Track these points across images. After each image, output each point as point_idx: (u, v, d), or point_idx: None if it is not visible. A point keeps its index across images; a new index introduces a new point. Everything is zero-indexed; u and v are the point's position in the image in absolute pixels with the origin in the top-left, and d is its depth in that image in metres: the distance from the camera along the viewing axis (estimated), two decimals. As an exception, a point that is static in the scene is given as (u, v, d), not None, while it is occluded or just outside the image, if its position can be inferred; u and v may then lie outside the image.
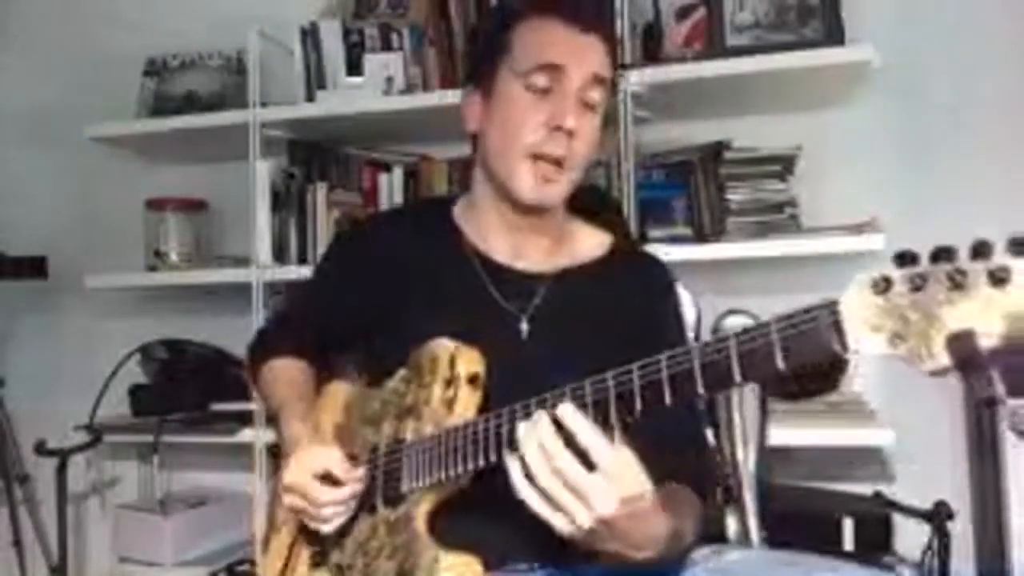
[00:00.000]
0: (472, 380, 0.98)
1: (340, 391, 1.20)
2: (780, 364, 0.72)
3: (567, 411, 0.81)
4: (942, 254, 0.66)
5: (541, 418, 0.82)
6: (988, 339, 0.63)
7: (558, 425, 0.81)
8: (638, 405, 0.81)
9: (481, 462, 0.91)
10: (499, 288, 1.13)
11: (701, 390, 0.77)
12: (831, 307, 0.70)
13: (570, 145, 1.07)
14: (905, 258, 0.67)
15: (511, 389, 0.96)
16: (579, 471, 0.79)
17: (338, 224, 2.15)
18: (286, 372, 1.23)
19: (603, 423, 0.82)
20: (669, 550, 0.89)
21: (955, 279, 0.64)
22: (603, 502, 0.79)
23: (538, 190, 1.09)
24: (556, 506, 0.81)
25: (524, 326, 1.11)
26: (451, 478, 0.94)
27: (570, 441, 0.81)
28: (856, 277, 0.69)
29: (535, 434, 0.82)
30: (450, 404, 0.98)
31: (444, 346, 1.01)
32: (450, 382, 0.99)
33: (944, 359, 0.64)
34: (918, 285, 0.66)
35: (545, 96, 1.07)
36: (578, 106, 1.07)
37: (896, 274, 0.67)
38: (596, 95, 1.09)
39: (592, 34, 1.09)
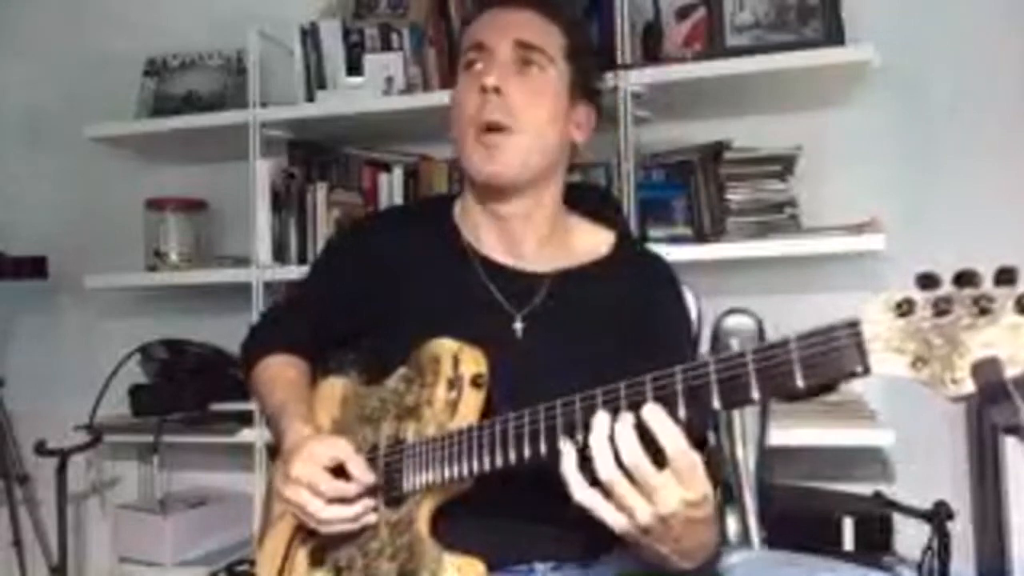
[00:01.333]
0: (475, 381, 0.98)
1: (337, 387, 1.19)
2: (800, 383, 0.71)
3: (654, 411, 0.78)
4: (965, 278, 0.65)
5: (622, 415, 0.80)
6: (1014, 367, 0.62)
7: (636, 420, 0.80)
8: None
9: (487, 465, 0.91)
10: (498, 287, 1.13)
11: (717, 405, 0.76)
12: (853, 327, 0.68)
13: (506, 106, 1.07)
14: (927, 280, 0.66)
15: (504, 388, 0.98)
16: (650, 470, 0.78)
17: (338, 224, 2.16)
18: (282, 371, 1.21)
19: None
20: (708, 559, 0.89)
21: (981, 305, 0.63)
22: (666, 500, 0.78)
23: (486, 163, 1.08)
24: (617, 502, 0.80)
25: (519, 324, 1.11)
26: (455, 479, 0.94)
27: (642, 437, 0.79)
28: (878, 297, 0.68)
29: (608, 428, 0.80)
30: (453, 406, 0.98)
31: (447, 346, 1.01)
32: (453, 383, 0.98)
33: (968, 386, 0.64)
34: (943, 309, 0.65)
35: (476, 70, 1.10)
36: (508, 69, 1.08)
37: (919, 296, 0.66)
38: (533, 57, 1.09)
39: (526, 10, 1.12)
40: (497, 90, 1.06)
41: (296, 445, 1.03)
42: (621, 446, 0.78)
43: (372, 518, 1.00)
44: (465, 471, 0.93)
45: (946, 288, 0.65)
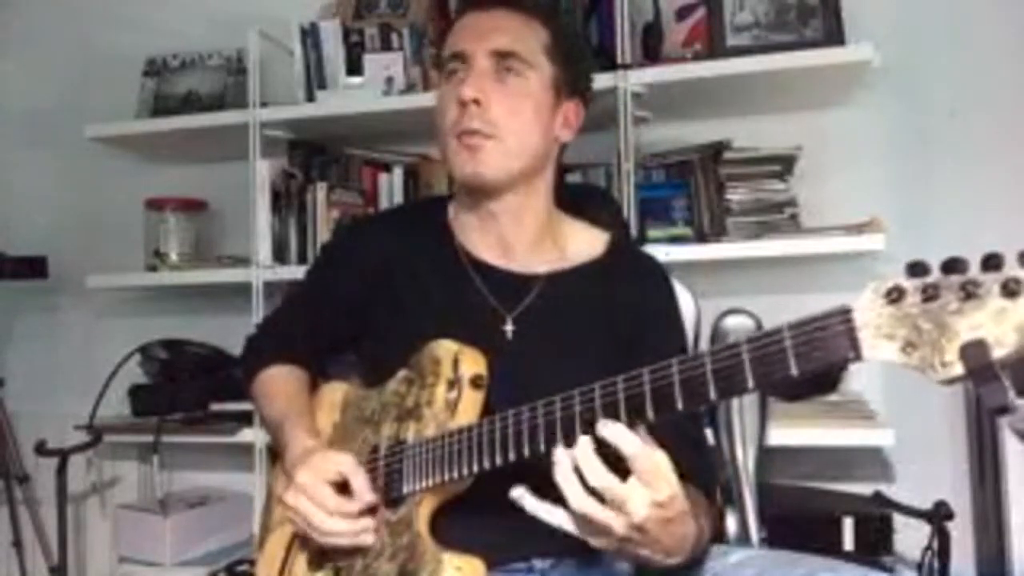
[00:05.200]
0: (475, 381, 0.98)
1: (338, 391, 1.20)
2: (793, 371, 0.72)
3: (607, 426, 0.80)
4: (953, 265, 0.66)
5: (580, 443, 0.81)
6: (1000, 349, 0.63)
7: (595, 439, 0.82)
8: (649, 410, 0.80)
9: (487, 464, 0.91)
10: (490, 289, 1.13)
11: (713, 396, 0.77)
12: (845, 314, 0.70)
13: (482, 115, 1.07)
14: (917, 268, 0.68)
15: (495, 389, 0.98)
16: (615, 484, 0.79)
17: (335, 227, 2.15)
18: (283, 382, 1.21)
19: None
20: (694, 552, 0.89)
21: (967, 290, 0.65)
22: (637, 508, 0.79)
23: (468, 163, 1.09)
24: (593, 525, 0.81)
25: (509, 326, 1.11)
26: (454, 480, 0.94)
27: (602, 450, 0.81)
28: (869, 285, 0.70)
29: (571, 460, 0.82)
30: (453, 406, 0.98)
31: (447, 347, 1.01)
32: (453, 383, 0.99)
33: (957, 369, 0.65)
34: (931, 295, 0.66)
35: (456, 79, 1.11)
36: (486, 77, 1.08)
37: (908, 284, 0.68)
38: (511, 64, 1.09)
39: (499, 10, 1.12)
40: (476, 102, 1.07)
41: (302, 455, 1.04)
42: (586, 473, 0.80)
43: (370, 538, 1.00)
44: (464, 471, 0.93)
45: (935, 275, 0.67)
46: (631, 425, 0.81)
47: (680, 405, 0.79)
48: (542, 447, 0.86)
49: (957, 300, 0.65)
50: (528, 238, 1.15)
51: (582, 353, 1.07)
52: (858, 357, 0.69)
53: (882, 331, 0.68)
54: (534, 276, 1.13)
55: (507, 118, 1.08)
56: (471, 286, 1.13)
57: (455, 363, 0.99)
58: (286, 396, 1.18)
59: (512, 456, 0.89)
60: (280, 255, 2.20)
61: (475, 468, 0.92)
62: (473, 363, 0.99)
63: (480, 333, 1.04)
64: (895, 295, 0.68)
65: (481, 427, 0.93)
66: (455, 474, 0.94)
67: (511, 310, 1.11)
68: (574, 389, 0.86)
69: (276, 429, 1.15)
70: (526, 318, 1.11)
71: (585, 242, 1.18)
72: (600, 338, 1.09)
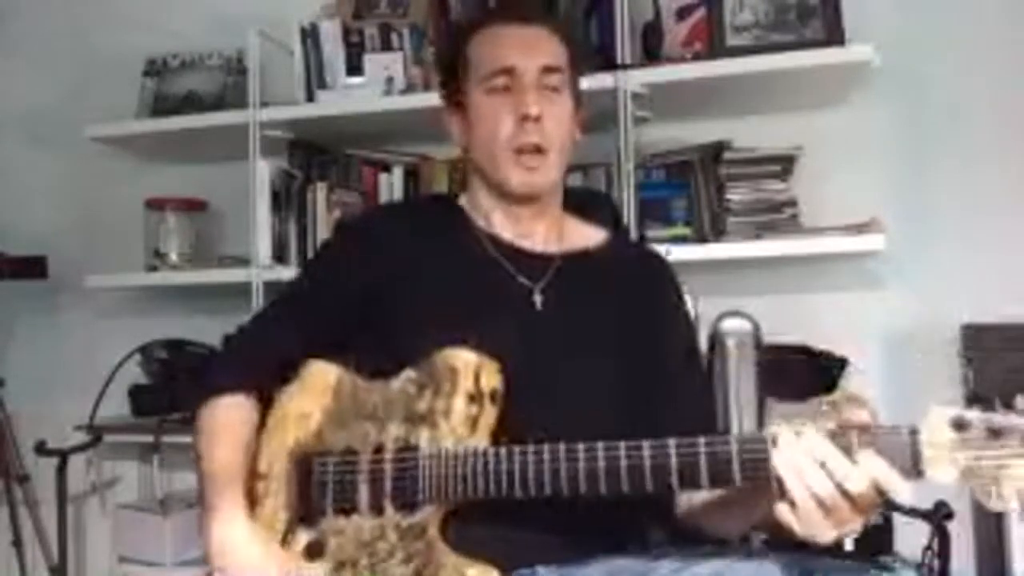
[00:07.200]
0: (494, 396, 1.00)
1: (330, 372, 1.12)
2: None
3: (872, 460, 0.84)
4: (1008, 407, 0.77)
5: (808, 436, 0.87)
6: None
7: None
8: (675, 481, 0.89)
9: (505, 491, 0.95)
10: (513, 265, 1.17)
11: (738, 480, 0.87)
12: (913, 434, 0.80)
13: (541, 130, 1.13)
14: (979, 402, 0.80)
15: (525, 361, 1.02)
16: (843, 504, 0.83)
17: (339, 222, 2.15)
18: (230, 429, 1.12)
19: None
20: None
21: None
22: (852, 525, 0.85)
23: (526, 180, 1.15)
24: (806, 520, 0.85)
25: (538, 297, 1.15)
26: (477, 497, 0.96)
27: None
28: (935, 409, 0.80)
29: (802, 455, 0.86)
30: (474, 421, 0.99)
31: (465, 358, 1.01)
32: (474, 397, 1.00)
33: (1013, 504, 0.76)
34: (995, 433, 0.77)
35: (507, 93, 1.15)
36: (539, 93, 1.14)
37: (974, 416, 0.78)
38: (555, 80, 1.16)
39: (536, 26, 1.18)
40: (537, 118, 1.12)
41: (228, 549, 1.03)
42: (832, 465, 0.84)
43: None
44: (489, 492, 0.96)
45: (1001, 414, 0.78)
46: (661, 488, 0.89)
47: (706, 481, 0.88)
48: (565, 488, 0.93)
49: (1019, 443, 0.76)
50: (543, 229, 1.22)
51: (605, 328, 1.14)
52: (919, 475, 0.79)
53: (945, 455, 0.78)
54: (551, 255, 1.19)
55: (556, 131, 1.15)
56: (495, 262, 1.17)
57: (476, 376, 1.00)
58: (231, 446, 1.11)
59: (519, 492, 0.94)
60: (280, 255, 2.20)
61: (493, 493, 0.95)
62: (492, 377, 1.01)
63: (511, 305, 1.12)
64: (961, 424, 0.78)
65: (510, 456, 0.96)
66: (479, 494, 0.96)
67: (536, 282, 1.16)
68: (597, 362, 1.02)
69: (206, 477, 1.09)
70: (551, 290, 1.16)
71: (587, 235, 1.26)
72: (618, 316, 1.15)
